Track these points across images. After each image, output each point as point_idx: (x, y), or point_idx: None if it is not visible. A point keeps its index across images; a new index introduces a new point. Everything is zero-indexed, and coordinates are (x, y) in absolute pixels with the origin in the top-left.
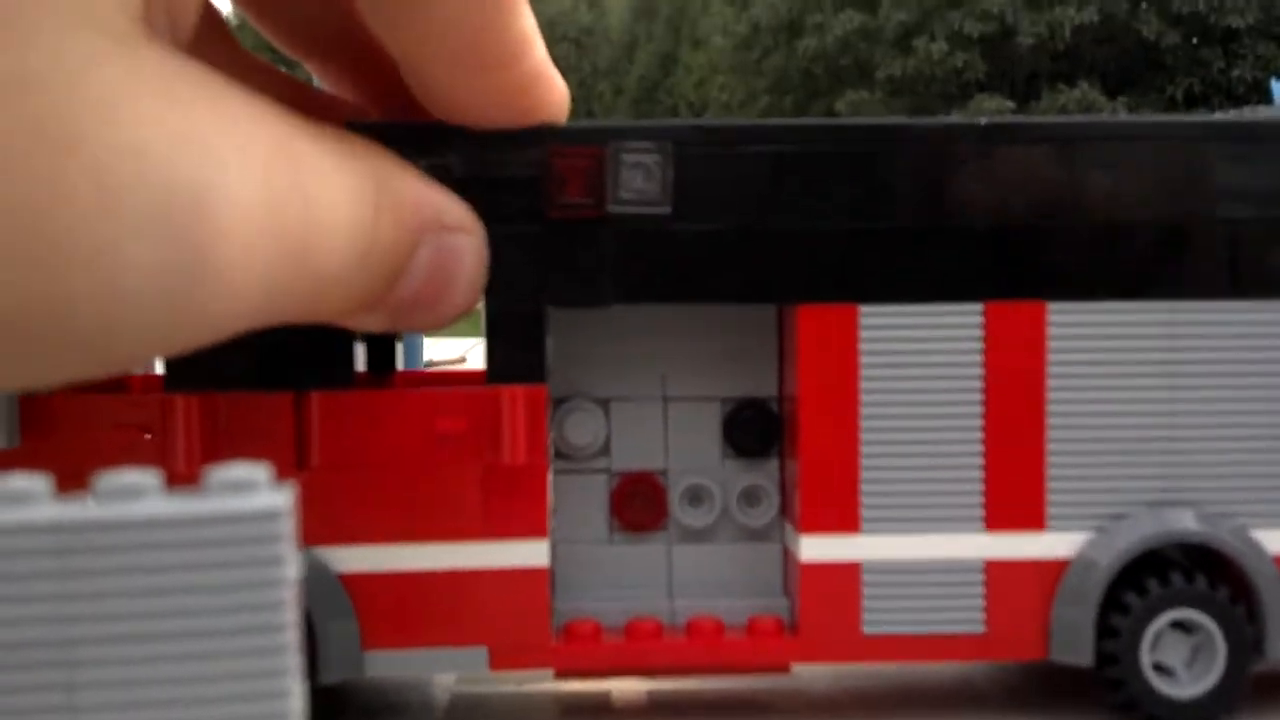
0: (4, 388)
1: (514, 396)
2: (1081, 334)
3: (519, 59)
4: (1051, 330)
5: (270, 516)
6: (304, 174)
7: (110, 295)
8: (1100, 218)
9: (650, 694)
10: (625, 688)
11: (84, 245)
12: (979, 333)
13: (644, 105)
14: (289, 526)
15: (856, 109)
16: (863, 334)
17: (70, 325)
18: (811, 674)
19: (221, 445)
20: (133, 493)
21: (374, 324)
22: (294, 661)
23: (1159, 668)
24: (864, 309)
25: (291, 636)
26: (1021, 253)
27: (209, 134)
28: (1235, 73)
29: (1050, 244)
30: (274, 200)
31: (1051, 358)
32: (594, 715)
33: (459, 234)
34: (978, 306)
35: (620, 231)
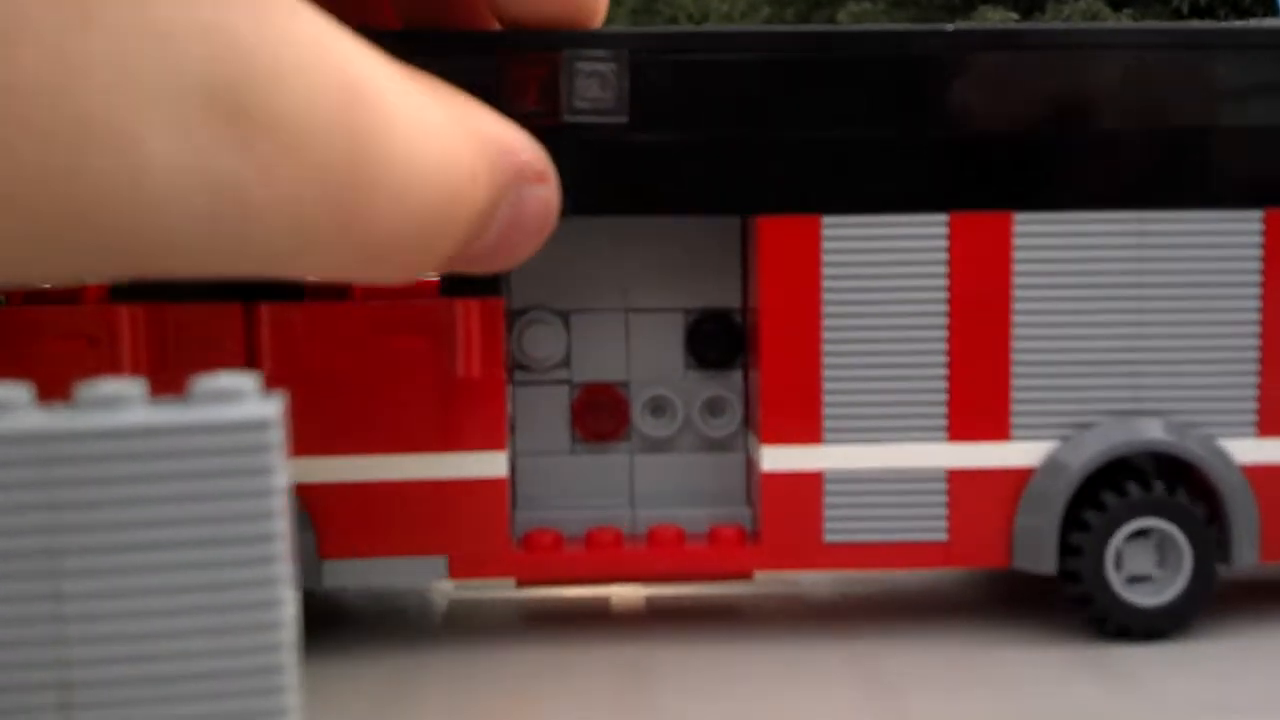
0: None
1: (469, 309)
2: (1047, 244)
3: None
4: (1017, 240)
5: (260, 425)
6: (370, 111)
7: (136, 195)
8: (1067, 127)
9: (649, 599)
10: (625, 593)
11: (100, 126)
12: (943, 243)
13: (643, 16)
14: (279, 435)
15: (858, 19)
16: (825, 245)
17: (101, 214)
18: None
19: (169, 356)
20: (117, 402)
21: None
22: (285, 570)
23: (1129, 577)
24: (826, 220)
25: (282, 545)
26: (987, 163)
27: (249, 35)
28: None
29: (1016, 154)
30: (327, 129)
31: (1017, 268)
32: (595, 619)
33: (541, 185)
34: (942, 217)
35: (577, 141)
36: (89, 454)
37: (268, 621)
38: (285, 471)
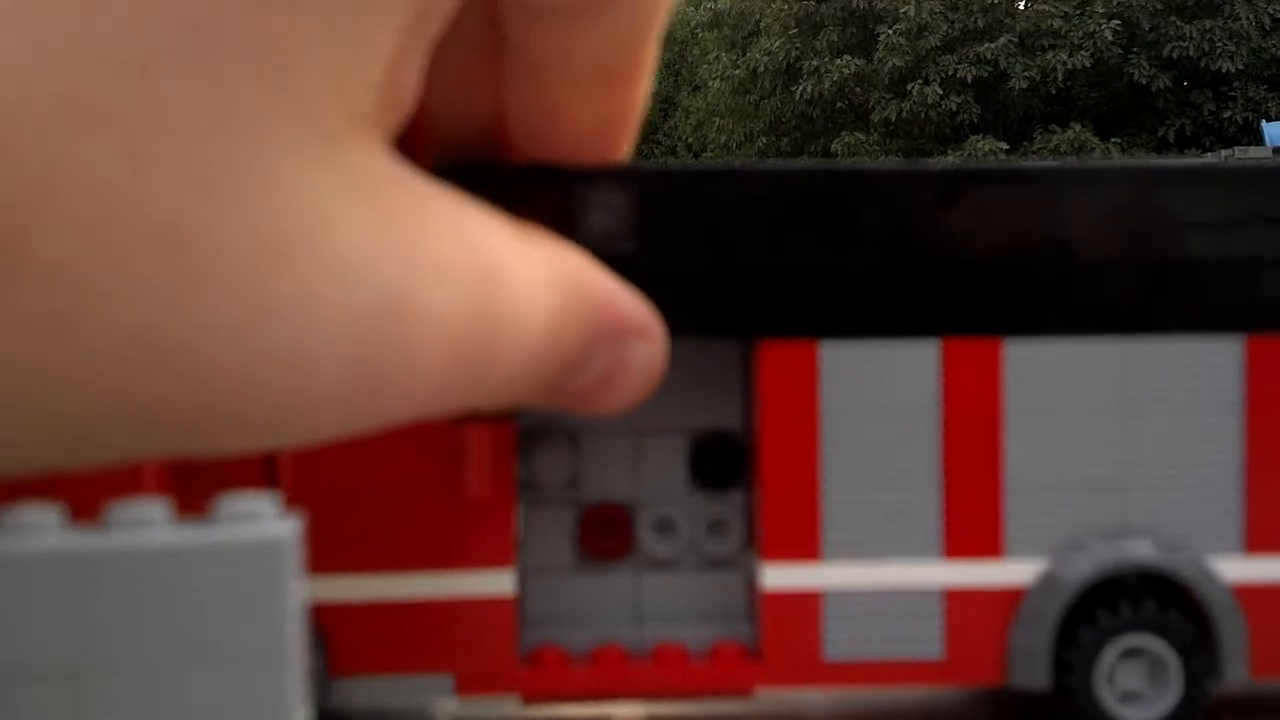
0: (196, 451)
1: (481, 434)
2: (1037, 368)
3: (644, 75)
4: (1007, 364)
5: (276, 546)
6: (501, 288)
7: (297, 401)
8: (1053, 257)
9: (650, 717)
10: (626, 711)
11: (283, 355)
12: (936, 367)
13: (644, 147)
14: (295, 556)
15: (853, 150)
16: (822, 369)
17: (256, 420)
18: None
19: (193, 478)
20: (141, 523)
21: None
22: (298, 687)
23: (1121, 695)
24: (824, 344)
25: (296, 662)
26: (977, 290)
27: (411, 249)
28: (1226, 114)
29: (1005, 282)
30: (468, 318)
31: (1007, 391)
32: None
33: (641, 342)
34: (934, 342)
35: None
36: (115, 574)
37: None
38: (301, 590)
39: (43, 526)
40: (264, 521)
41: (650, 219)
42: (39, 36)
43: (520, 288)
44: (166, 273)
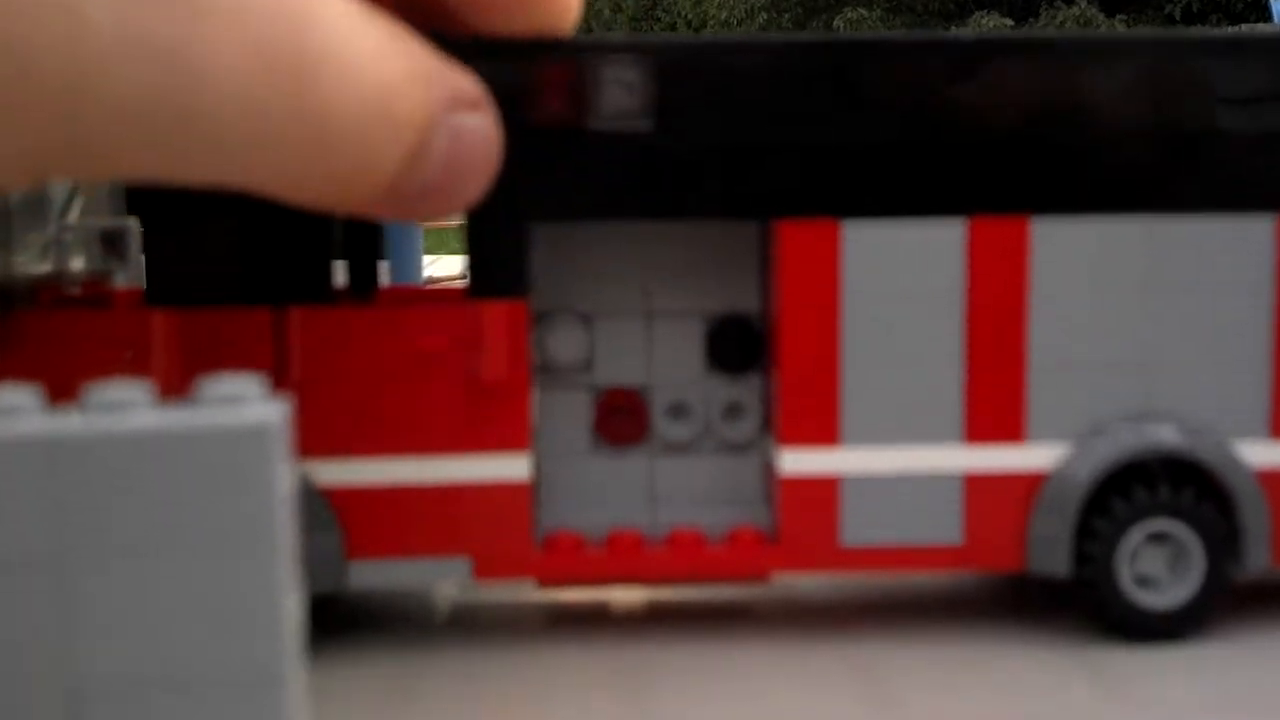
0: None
1: (495, 312)
2: (1063, 248)
3: None
4: (1034, 244)
5: (262, 431)
6: (313, 17)
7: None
8: (1082, 132)
9: (649, 603)
10: (623, 597)
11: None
12: (962, 247)
13: (642, 23)
14: (281, 441)
15: (854, 26)
16: (844, 249)
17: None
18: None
19: (200, 361)
20: (122, 406)
21: (383, 211)
22: (288, 575)
23: (1142, 580)
24: (845, 224)
25: (285, 549)
26: (1004, 167)
27: None
28: None
29: (1033, 158)
30: (269, 19)
31: (1033, 272)
32: (592, 622)
33: (476, 113)
34: (961, 221)
35: (601, 146)
36: (94, 458)
37: (271, 624)
38: (290, 474)
39: (20, 410)
40: (249, 404)
41: (663, 95)
42: None
43: (339, 15)
44: None
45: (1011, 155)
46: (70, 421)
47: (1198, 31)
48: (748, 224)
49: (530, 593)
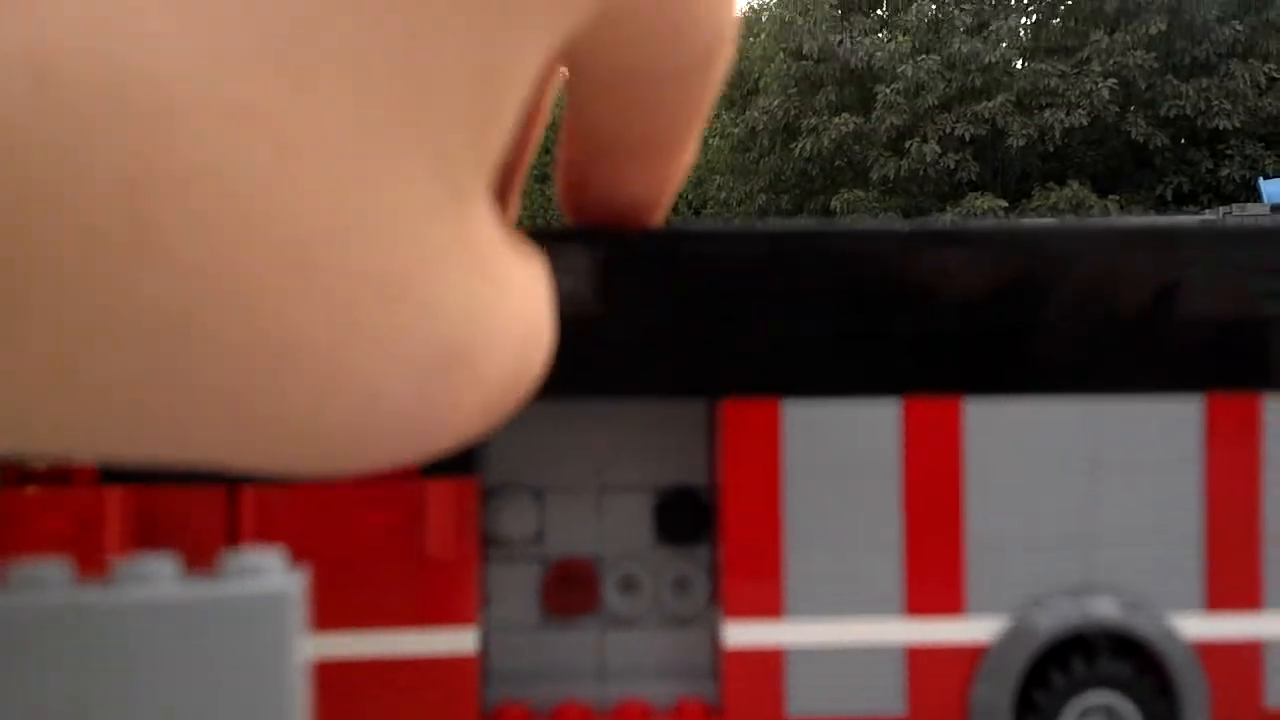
0: (262, 470)
1: (443, 490)
2: (997, 427)
3: (689, 145)
4: (967, 423)
5: (283, 600)
6: (540, 350)
7: (362, 424)
8: (1014, 316)
9: None
10: None
11: (360, 380)
12: (897, 425)
13: None
14: (301, 609)
15: (852, 207)
16: (785, 426)
17: (321, 438)
18: None
19: (154, 537)
20: (151, 577)
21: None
22: None
23: None
24: (786, 402)
25: (300, 717)
26: (938, 350)
27: (494, 304)
28: (1224, 172)
29: (966, 341)
30: (517, 369)
31: (967, 449)
32: None
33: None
34: (896, 400)
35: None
36: (122, 628)
37: None
38: (306, 644)
39: (50, 581)
40: (271, 575)
41: (615, 281)
42: (216, 45)
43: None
44: (290, 285)
45: (945, 338)
46: (98, 593)
47: (1129, 221)
48: (695, 402)
49: None
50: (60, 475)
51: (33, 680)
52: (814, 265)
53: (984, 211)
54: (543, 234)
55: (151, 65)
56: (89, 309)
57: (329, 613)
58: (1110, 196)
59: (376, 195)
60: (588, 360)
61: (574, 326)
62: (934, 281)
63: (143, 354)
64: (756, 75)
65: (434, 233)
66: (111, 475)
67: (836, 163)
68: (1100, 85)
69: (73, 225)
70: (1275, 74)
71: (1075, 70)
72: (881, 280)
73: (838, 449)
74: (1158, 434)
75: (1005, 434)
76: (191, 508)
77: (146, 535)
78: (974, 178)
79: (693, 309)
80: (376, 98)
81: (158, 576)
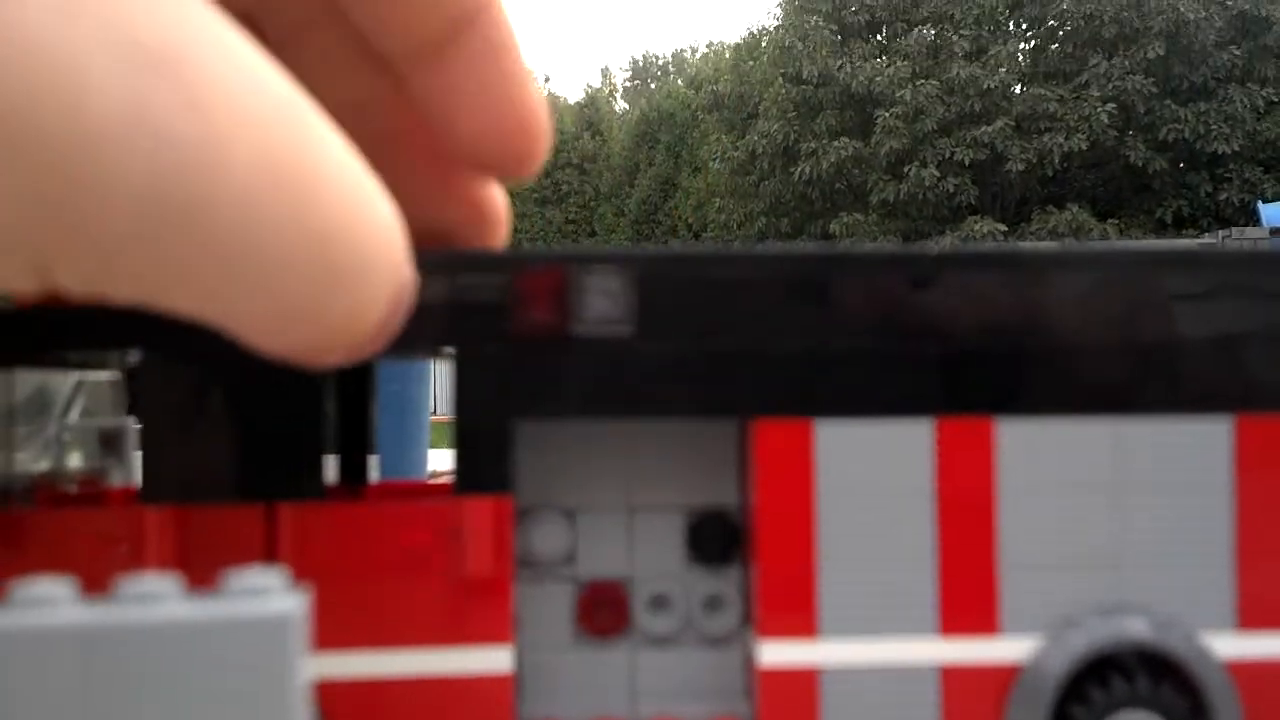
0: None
1: (480, 508)
2: (1030, 447)
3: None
4: (1000, 443)
5: (285, 621)
6: (317, 139)
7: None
8: (1045, 338)
9: None
10: None
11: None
12: (930, 446)
13: (644, 227)
14: (302, 631)
15: (851, 230)
16: (817, 447)
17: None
18: None
19: (193, 556)
20: (154, 597)
21: (337, 359)
22: None
23: None
24: (819, 423)
25: None
26: (970, 371)
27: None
28: (1223, 196)
29: (997, 362)
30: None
31: (1000, 470)
32: None
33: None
34: (929, 421)
35: (584, 349)
36: (126, 648)
37: None
38: (308, 664)
39: (54, 600)
40: (273, 596)
41: (647, 302)
42: None
43: (339, 155)
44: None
45: (977, 359)
46: (102, 612)
47: (1156, 245)
48: (726, 422)
49: None
50: (96, 496)
51: (34, 701)
52: (845, 286)
53: (983, 236)
54: (574, 257)
55: None
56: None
57: (364, 630)
58: (1109, 220)
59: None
60: (619, 381)
61: (605, 347)
62: (967, 303)
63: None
64: (757, 99)
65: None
66: (150, 495)
67: (836, 186)
68: (1099, 110)
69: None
70: (1273, 98)
71: (1074, 95)
72: (914, 301)
73: (871, 469)
74: (1188, 455)
75: (1038, 454)
76: (229, 526)
77: (185, 555)
78: (973, 201)
79: (724, 329)
80: None
81: (160, 596)
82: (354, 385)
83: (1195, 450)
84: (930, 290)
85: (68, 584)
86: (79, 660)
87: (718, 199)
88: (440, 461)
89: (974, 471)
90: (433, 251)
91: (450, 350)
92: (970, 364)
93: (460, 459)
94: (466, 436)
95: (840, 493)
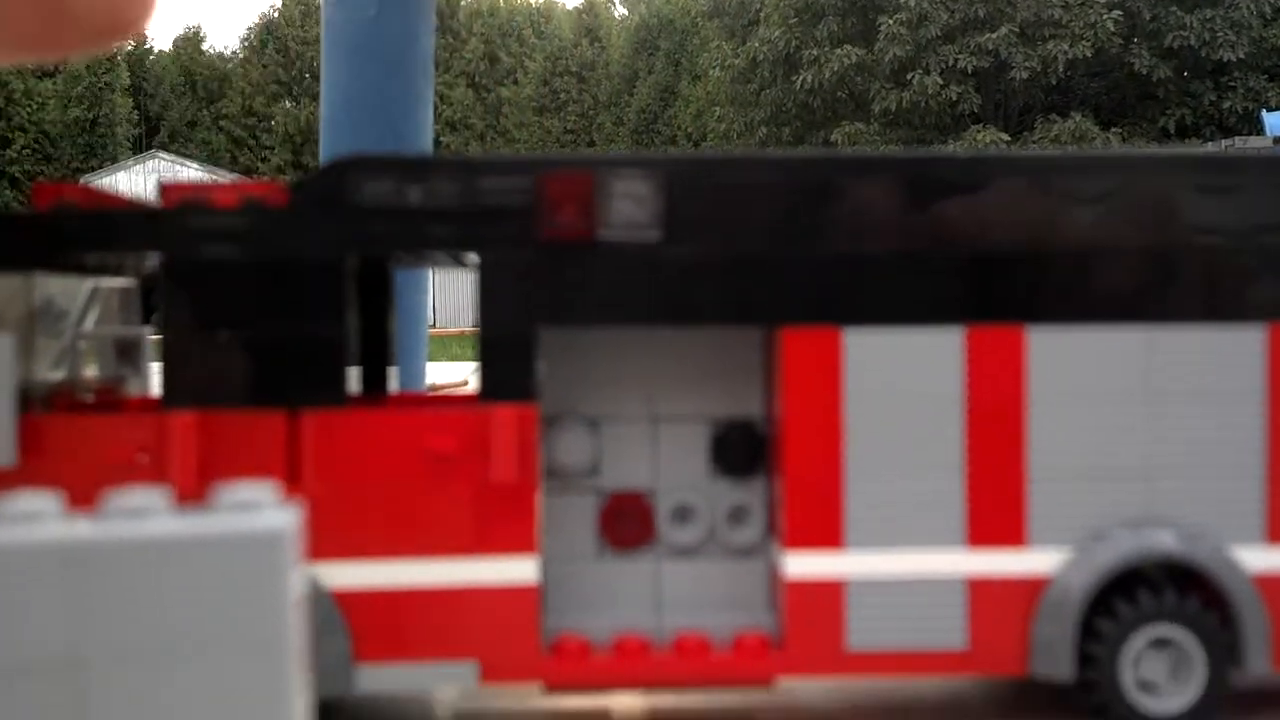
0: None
1: (504, 415)
2: (1060, 356)
3: None
4: (1030, 352)
5: (276, 536)
6: None
7: None
8: (1077, 245)
9: (650, 711)
10: (624, 703)
11: None
12: (960, 355)
13: (643, 136)
14: (294, 547)
15: (853, 140)
16: (846, 356)
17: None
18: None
19: (215, 463)
20: (141, 512)
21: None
22: (298, 677)
23: (1144, 685)
24: (847, 331)
25: (295, 652)
26: (1001, 278)
27: None
28: (1226, 104)
29: (1029, 270)
30: None
31: (1030, 379)
32: None
33: None
34: (959, 329)
35: (609, 256)
36: (113, 564)
37: None
38: (302, 579)
39: (41, 515)
40: (263, 511)
41: (673, 208)
42: None
43: None
44: None
45: (1008, 266)
46: (89, 528)
47: (1191, 151)
48: (752, 330)
49: (531, 698)
50: (114, 404)
51: (24, 615)
52: (875, 192)
53: (986, 145)
54: (600, 161)
55: None
56: None
57: (388, 540)
58: (1113, 129)
59: None
60: (644, 288)
61: (631, 253)
62: (998, 208)
63: None
64: (758, 6)
65: None
66: (171, 400)
67: (838, 94)
68: (1104, 16)
69: None
70: None
71: (1079, 1)
72: (945, 207)
73: (899, 379)
74: (1220, 364)
75: (1069, 364)
76: (253, 433)
77: (207, 462)
78: (976, 110)
79: (749, 236)
80: None
81: (149, 511)
82: (374, 296)
83: (1227, 359)
84: (961, 195)
85: (54, 499)
86: (61, 576)
87: (718, 108)
88: (437, 375)
89: (1004, 381)
90: (455, 156)
91: (473, 256)
92: (1001, 271)
93: (484, 367)
94: (490, 344)
95: (868, 403)
